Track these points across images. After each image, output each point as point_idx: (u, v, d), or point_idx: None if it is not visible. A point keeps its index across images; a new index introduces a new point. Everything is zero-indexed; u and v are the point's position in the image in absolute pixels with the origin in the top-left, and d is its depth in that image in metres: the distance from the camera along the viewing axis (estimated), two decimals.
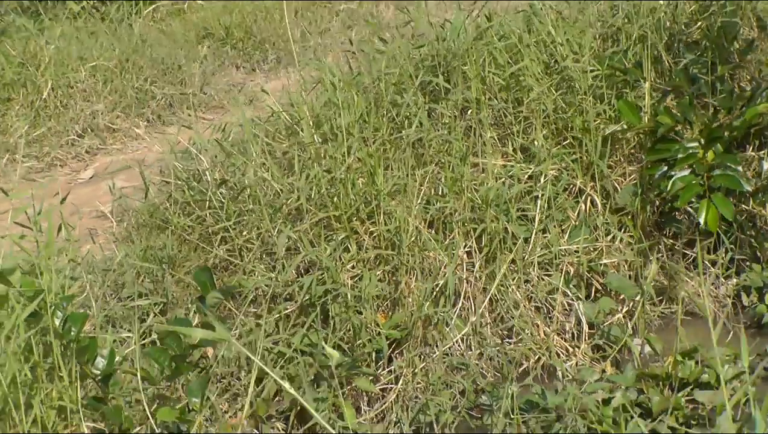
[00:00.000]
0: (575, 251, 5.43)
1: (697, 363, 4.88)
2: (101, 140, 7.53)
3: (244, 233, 4.96)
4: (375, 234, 4.97)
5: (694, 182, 5.30)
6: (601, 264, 5.50)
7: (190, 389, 3.50)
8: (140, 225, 5.47)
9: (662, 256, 5.65)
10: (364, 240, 4.95)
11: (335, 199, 4.90)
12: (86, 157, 7.40)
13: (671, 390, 4.77)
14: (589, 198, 5.69)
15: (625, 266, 5.59)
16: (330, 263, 4.67)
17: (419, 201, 5.09)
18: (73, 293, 3.66)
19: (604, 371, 5.00)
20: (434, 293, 4.94)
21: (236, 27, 10.03)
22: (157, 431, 3.59)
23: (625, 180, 5.80)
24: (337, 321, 4.69)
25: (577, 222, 5.59)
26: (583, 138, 5.68)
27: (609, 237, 5.58)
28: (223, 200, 5.12)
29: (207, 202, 5.12)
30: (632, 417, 4.54)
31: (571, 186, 5.68)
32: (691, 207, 5.57)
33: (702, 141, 5.40)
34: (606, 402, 4.62)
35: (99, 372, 3.51)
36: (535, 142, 5.66)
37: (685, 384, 4.78)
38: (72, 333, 3.36)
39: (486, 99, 5.64)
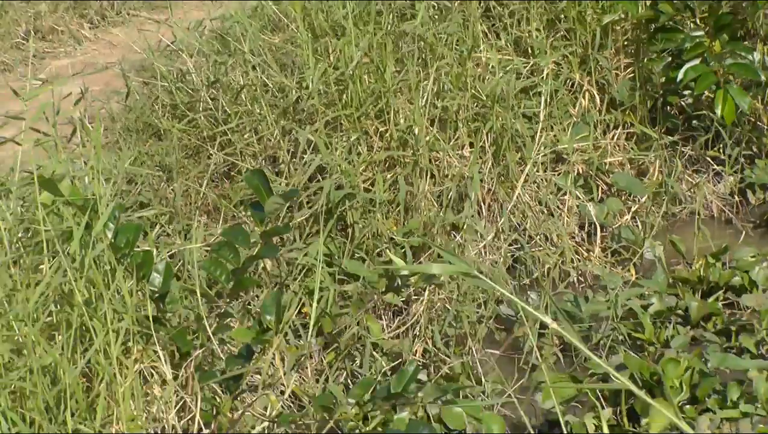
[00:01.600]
0: (580, 149, 5.07)
1: (724, 265, 4.62)
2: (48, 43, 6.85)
3: (245, 136, 4.42)
4: (385, 135, 4.51)
5: (707, 71, 4.97)
6: (606, 163, 5.16)
7: (265, 305, 3.00)
8: (127, 130, 4.85)
9: (663, 153, 5.32)
10: (374, 141, 4.48)
11: (344, 97, 4.40)
12: (34, 61, 6.72)
13: (702, 295, 4.51)
14: (587, 93, 5.32)
15: (628, 164, 5.27)
16: (347, 166, 4.19)
17: (425, 99, 4.63)
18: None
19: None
20: (450, 197, 4.51)
21: None
22: (220, 354, 3.12)
23: (620, 73, 5.45)
24: (356, 229, 4.23)
25: (578, 119, 5.22)
26: (577, 29, 5.29)
27: (610, 135, 5.22)
28: (215, 102, 4.55)
29: (200, 104, 4.55)
30: (671, 324, 4.25)
31: (568, 80, 5.30)
32: (700, 99, 5.26)
33: (709, 29, 5.07)
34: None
35: (155, 289, 3.00)
36: (531, 34, 5.26)
37: (713, 288, 4.52)
38: (125, 245, 2.84)
39: None
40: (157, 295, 3.00)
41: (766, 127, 5.36)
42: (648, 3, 5.30)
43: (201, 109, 4.59)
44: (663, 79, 5.24)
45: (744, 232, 5.05)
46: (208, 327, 3.02)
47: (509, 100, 4.80)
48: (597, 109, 5.32)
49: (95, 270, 2.74)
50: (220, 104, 4.54)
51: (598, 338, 4.20)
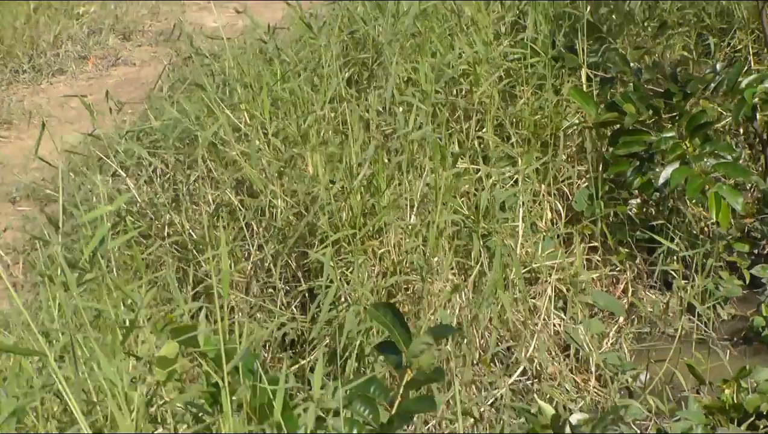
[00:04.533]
0: (554, 267, 4.54)
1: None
2: None
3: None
4: (385, 257, 3.84)
5: (694, 173, 4.55)
6: (579, 280, 4.64)
7: None
8: None
9: (628, 269, 4.86)
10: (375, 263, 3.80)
11: (342, 214, 3.72)
12: None
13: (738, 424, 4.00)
14: (548, 204, 4.82)
15: (601, 280, 4.78)
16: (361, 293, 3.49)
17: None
18: None
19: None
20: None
21: None
22: None
23: (578, 181, 4.99)
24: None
25: (546, 233, 4.70)
26: (532, 136, 4.82)
27: (579, 249, 4.72)
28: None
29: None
30: None
31: (531, 191, 4.78)
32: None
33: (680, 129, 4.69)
34: None
35: None
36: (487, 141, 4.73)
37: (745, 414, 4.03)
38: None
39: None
40: None
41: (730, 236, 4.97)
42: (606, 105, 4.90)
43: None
44: (637, 185, 4.80)
45: (728, 351, 4.60)
46: None
47: (495, 215, 4.22)
48: (562, 221, 4.83)
49: None
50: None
51: None
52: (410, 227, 3.96)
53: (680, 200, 5.03)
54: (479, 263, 4.13)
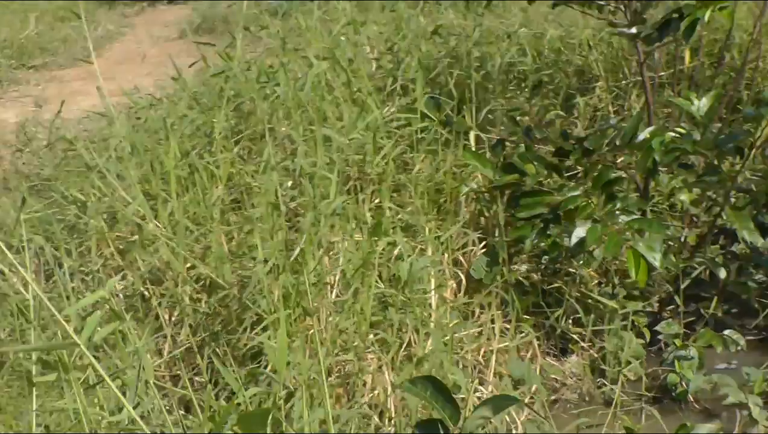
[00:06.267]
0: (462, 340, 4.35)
1: None
2: None
3: None
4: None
5: (610, 231, 4.42)
6: (492, 351, 4.45)
7: None
8: None
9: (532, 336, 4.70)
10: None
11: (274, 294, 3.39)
12: None
13: None
14: (448, 273, 4.62)
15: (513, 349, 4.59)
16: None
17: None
18: None
19: None
20: None
21: None
22: None
23: (474, 248, 4.81)
24: None
25: (451, 303, 4.50)
26: (429, 203, 4.63)
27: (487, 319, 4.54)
28: None
29: None
30: None
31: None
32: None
33: (589, 188, 4.58)
34: None
35: None
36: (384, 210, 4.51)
37: None
38: None
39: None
40: None
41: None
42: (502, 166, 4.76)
43: None
44: (528, 248, 4.65)
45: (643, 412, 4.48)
46: None
47: (412, 286, 3.98)
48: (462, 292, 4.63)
49: None
50: None
51: None
52: (345, 304, 3.69)
53: (569, 262, 4.93)
54: (407, 338, 3.89)
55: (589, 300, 4.89)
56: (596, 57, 6.31)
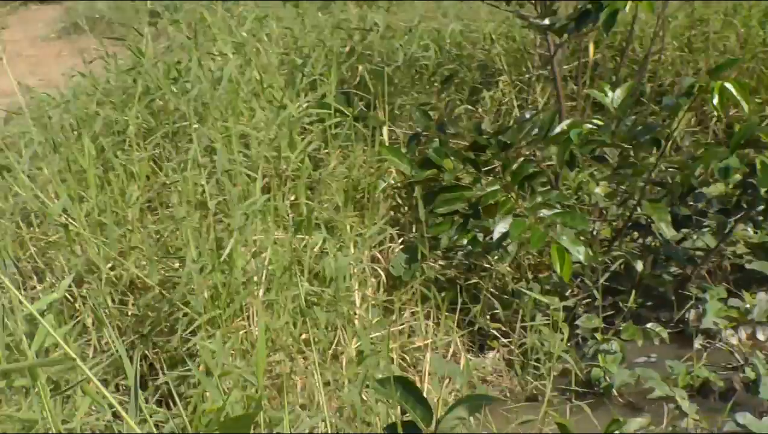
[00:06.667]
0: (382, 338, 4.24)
1: None
2: None
3: None
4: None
5: (533, 225, 4.36)
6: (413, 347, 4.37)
7: None
8: None
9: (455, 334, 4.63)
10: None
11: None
12: None
13: None
14: (368, 270, 4.52)
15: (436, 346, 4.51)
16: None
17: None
18: None
19: None
20: None
21: None
22: None
23: (393, 245, 4.72)
24: None
25: (373, 300, 4.40)
26: (346, 200, 4.52)
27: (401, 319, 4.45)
28: None
29: None
30: None
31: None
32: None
33: (508, 182, 4.52)
34: None
35: None
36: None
37: None
38: None
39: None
40: None
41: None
42: (419, 162, 4.67)
43: None
44: (445, 244, 4.58)
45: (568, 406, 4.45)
46: None
47: (339, 284, 3.87)
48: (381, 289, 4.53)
49: None
50: None
51: None
52: (277, 304, 3.55)
53: (483, 258, 4.88)
54: (335, 337, 3.77)
55: (505, 296, 4.85)
56: (498, 51, 6.28)
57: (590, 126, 4.68)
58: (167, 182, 3.90)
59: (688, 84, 4.43)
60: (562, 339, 4.60)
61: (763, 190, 4.55)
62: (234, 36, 5.24)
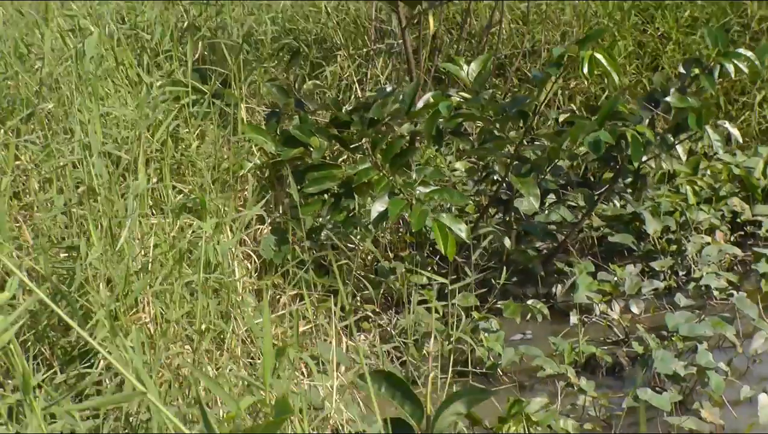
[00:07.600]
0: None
1: None
2: None
3: None
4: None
5: (415, 203, 4.22)
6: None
7: None
8: None
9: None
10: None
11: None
12: None
13: None
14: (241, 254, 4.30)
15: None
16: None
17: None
18: None
19: None
20: None
21: None
22: None
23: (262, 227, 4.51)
24: None
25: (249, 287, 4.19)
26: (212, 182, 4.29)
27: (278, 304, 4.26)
28: None
29: None
30: None
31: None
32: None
33: (375, 160, 4.36)
34: None
35: None
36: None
37: None
38: None
39: None
40: None
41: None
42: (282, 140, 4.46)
43: None
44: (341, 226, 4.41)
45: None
46: None
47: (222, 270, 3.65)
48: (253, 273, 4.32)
49: None
50: None
51: None
52: (166, 293, 3.29)
53: (346, 237, 4.71)
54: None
55: (372, 276, 4.71)
56: (334, 25, 6.12)
57: (458, 99, 4.59)
58: (29, 168, 3.57)
59: (557, 53, 4.40)
60: (437, 319, 4.49)
61: (635, 164, 4.57)
62: (70, 10, 4.87)
